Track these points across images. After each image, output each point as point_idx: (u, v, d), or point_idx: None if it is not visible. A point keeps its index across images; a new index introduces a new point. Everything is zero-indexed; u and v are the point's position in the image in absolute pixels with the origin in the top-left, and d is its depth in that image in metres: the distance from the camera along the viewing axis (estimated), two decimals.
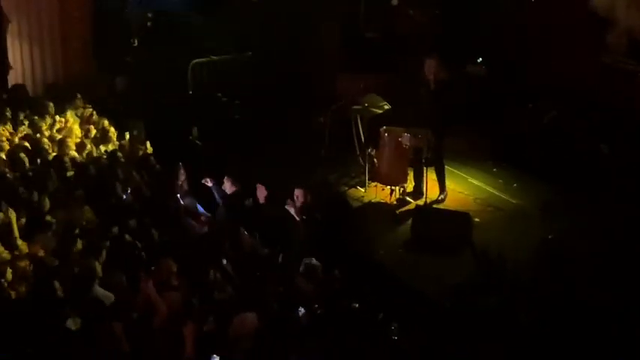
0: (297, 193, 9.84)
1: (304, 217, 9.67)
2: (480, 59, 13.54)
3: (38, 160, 10.51)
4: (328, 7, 14.19)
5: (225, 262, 8.36)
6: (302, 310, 7.45)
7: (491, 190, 11.47)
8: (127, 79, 13.91)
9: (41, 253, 8.38)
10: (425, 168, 10.95)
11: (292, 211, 9.78)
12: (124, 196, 9.81)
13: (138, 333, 7.08)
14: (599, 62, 12.37)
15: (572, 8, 12.86)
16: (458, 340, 7.35)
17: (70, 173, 10.26)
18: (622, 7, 12.29)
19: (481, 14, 13.49)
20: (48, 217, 8.97)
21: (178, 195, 10.10)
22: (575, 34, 12.71)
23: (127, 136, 11.80)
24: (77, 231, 8.85)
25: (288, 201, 9.84)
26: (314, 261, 8.44)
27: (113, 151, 11.21)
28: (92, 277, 7.82)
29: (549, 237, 9.36)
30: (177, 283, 7.90)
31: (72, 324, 7.22)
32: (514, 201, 11.14)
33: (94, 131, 11.78)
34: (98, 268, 7.98)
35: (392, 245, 10.00)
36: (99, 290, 7.75)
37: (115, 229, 8.82)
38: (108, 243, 8.51)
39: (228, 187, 10.19)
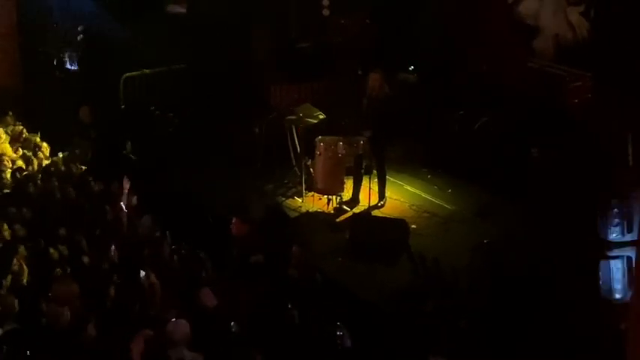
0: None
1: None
2: (412, 67, 13.68)
3: None
4: (259, 19, 14.21)
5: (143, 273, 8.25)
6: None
7: (426, 197, 11.57)
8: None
9: None
10: (363, 176, 11.01)
11: None
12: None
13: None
14: (528, 67, 12.63)
15: (500, 15, 13.13)
16: (400, 345, 7.41)
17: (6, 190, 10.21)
18: (547, 14, 12.60)
19: (411, 22, 13.63)
20: None
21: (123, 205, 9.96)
22: (503, 41, 12.96)
23: (61, 154, 11.65)
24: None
25: None
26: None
27: (47, 167, 11.05)
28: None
29: (484, 241, 9.48)
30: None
31: None
32: (449, 207, 11.26)
33: (21, 151, 11.60)
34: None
35: (331, 253, 10.03)
36: None
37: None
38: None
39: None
